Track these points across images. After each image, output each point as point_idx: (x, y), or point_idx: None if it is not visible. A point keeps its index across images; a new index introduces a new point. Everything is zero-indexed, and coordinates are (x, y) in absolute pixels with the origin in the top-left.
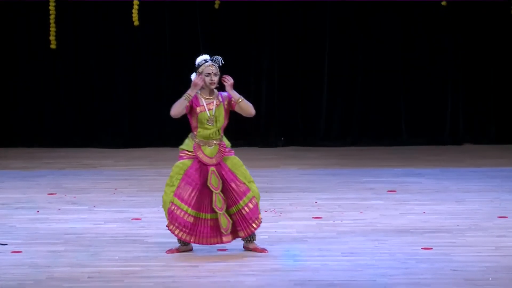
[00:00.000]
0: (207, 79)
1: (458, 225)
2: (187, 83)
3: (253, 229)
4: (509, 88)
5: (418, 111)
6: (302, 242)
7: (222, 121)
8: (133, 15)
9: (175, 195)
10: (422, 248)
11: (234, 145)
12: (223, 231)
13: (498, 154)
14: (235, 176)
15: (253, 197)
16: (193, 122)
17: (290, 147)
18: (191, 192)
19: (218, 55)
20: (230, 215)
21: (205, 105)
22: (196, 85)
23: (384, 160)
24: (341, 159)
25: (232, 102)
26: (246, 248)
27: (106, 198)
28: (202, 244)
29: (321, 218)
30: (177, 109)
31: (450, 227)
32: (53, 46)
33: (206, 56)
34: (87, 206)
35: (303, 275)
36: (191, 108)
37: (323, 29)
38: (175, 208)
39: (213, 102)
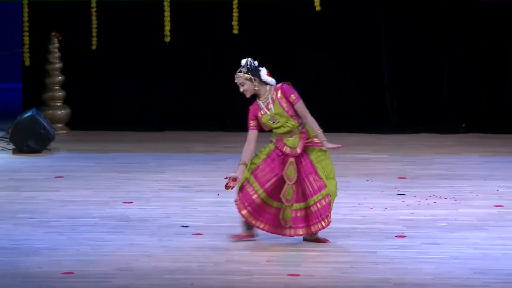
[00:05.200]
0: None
1: None
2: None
3: (320, 227)
4: None
5: None
6: (483, 230)
7: (283, 114)
8: None
9: (252, 172)
10: None
11: (415, 131)
12: (282, 222)
13: None
14: (315, 170)
15: (327, 194)
16: (265, 129)
17: (472, 134)
18: (270, 178)
19: (248, 59)
20: (297, 210)
21: (264, 108)
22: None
23: None
24: None
25: (291, 100)
26: (306, 240)
27: None
28: (265, 230)
29: (503, 206)
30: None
31: None
32: (235, 31)
33: (242, 62)
34: None
35: (484, 264)
36: (257, 120)
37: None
38: (247, 184)
39: (269, 102)
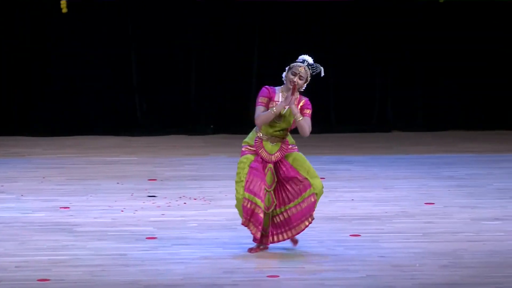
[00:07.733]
0: (291, 76)
1: (386, 212)
2: (125, 75)
3: (303, 227)
4: (436, 75)
5: (347, 99)
6: (232, 230)
7: (289, 122)
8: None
9: (246, 190)
10: (350, 235)
11: (164, 133)
12: (262, 231)
13: (425, 141)
14: (296, 172)
15: (313, 194)
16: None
17: (220, 135)
18: (260, 185)
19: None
20: (279, 214)
21: (279, 101)
22: (287, 102)
23: (313, 148)
24: None
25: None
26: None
27: (34, 187)
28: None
29: None
30: (264, 120)
31: (378, 214)
32: None
33: (309, 60)
34: (15, 195)
35: (233, 262)
36: (268, 101)
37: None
38: (249, 203)
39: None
